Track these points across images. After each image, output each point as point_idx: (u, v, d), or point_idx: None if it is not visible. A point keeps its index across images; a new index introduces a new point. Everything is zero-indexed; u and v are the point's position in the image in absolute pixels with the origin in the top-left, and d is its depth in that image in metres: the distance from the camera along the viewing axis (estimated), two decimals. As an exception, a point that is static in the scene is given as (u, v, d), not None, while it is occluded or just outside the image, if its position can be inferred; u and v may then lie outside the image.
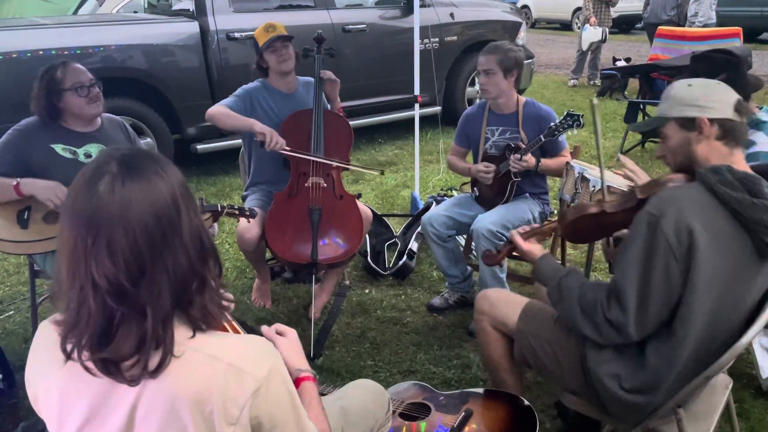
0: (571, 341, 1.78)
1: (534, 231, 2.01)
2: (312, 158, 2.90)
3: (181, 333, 1.00)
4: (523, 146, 2.81)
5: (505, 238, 2.60)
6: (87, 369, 0.98)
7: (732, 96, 1.64)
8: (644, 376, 1.62)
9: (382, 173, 3.18)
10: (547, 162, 2.85)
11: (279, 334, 1.31)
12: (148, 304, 0.96)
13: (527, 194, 2.97)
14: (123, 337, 0.96)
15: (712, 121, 1.61)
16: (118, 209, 0.95)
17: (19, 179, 2.41)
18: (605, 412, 1.75)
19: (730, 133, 1.61)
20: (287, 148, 2.85)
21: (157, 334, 0.97)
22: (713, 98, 1.62)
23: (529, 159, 2.77)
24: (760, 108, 2.39)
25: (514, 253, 2.05)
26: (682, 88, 1.68)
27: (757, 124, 2.31)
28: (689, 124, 1.63)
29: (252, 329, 1.23)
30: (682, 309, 1.55)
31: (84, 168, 1.01)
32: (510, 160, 2.79)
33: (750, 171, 1.61)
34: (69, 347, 0.99)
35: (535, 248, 1.93)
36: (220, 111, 2.92)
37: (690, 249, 1.51)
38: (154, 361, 0.97)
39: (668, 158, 1.72)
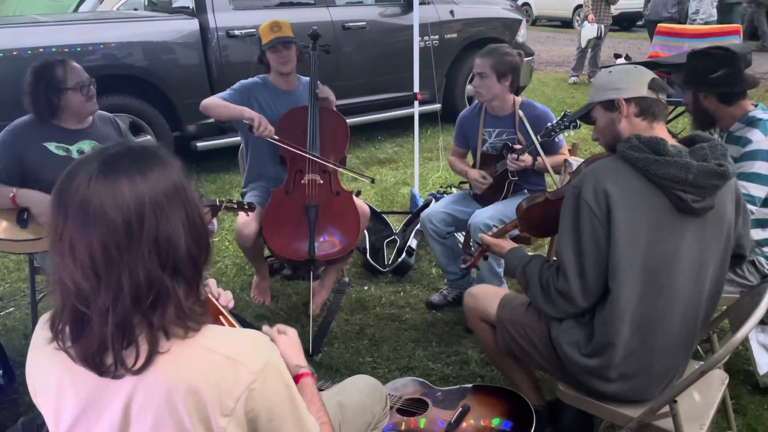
0: (541, 321, 1.90)
1: (501, 230, 2.20)
2: (304, 153, 2.90)
3: (171, 334, 1.00)
4: (519, 147, 2.82)
5: None
6: (71, 357, 1.00)
7: (646, 76, 1.79)
8: (595, 338, 1.73)
9: (373, 181, 3.17)
10: (542, 161, 2.85)
11: (279, 333, 1.34)
12: (109, 307, 0.96)
13: (525, 191, 2.98)
14: (89, 335, 0.97)
15: (628, 100, 1.77)
16: (78, 209, 0.95)
17: (15, 190, 2.44)
18: (572, 384, 1.86)
19: (646, 109, 1.77)
20: (276, 137, 2.87)
21: (121, 338, 0.97)
22: (628, 80, 1.78)
23: (526, 158, 2.77)
24: (756, 105, 2.39)
25: (489, 255, 2.25)
26: (603, 75, 1.86)
27: (751, 122, 2.31)
28: (610, 105, 1.80)
29: (245, 325, 1.24)
30: (611, 267, 1.67)
31: (73, 161, 1.02)
32: (507, 160, 2.80)
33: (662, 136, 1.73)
34: (56, 331, 1.01)
35: (503, 243, 2.10)
36: (213, 101, 2.95)
37: (608, 209, 1.65)
38: (131, 360, 0.97)
39: (600, 140, 1.89)
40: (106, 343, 0.97)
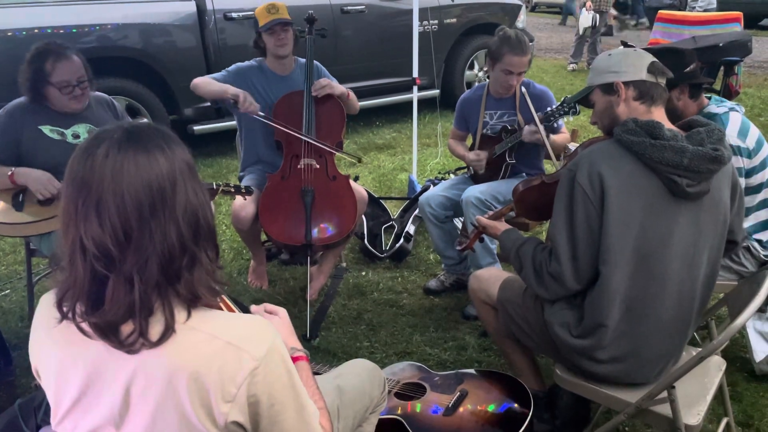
0: (537, 303, 1.91)
1: (497, 213, 2.20)
2: (291, 131, 2.88)
3: (179, 312, 1.00)
4: (543, 113, 2.74)
5: (495, 207, 2.68)
6: (83, 331, 0.99)
7: (645, 60, 1.78)
8: (585, 320, 1.74)
9: (360, 161, 3.13)
10: (553, 138, 2.84)
11: (268, 313, 1.31)
12: (134, 273, 0.96)
13: (523, 174, 2.97)
14: (112, 304, 0.97)
15: (627, 83, 1.76)
16: (109, 173, 0.96)
17: (13, 169, 2.42)
18: (567, 365, 1.87)
19: (645, 93, 1.76)
20: (261, 114, 2.85)
21: (146, 304, 0.97)
22: (627, 63, 1.78)
23: (543, 131, 2.69)
24: (709, 98, 2.36)
25: (483, 235, 2.25)
26: (603, 58, 1.86)
27: (709, 118, 2.23)
28: (609, 88, 1.80)
29: (244, 309, 1.23)
30: (602, 250, 1.67)
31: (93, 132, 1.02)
32: (524, 131, 2.75)
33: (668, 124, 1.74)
34: (65, 309, 1.00)
35: (498, 225, 2.09)
36: (202, 79, 2.92)
37: (602, 192, 1.65)
38: (155, 331, 0.97)
39: (598, 123, 1.88)
40: (132, 311, 0.96)
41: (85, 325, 0.99)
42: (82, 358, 1.01)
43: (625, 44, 8.12)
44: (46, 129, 2.50)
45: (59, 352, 1.04)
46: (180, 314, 1.00)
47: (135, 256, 0.96)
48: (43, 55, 2.41)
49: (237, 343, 1.00)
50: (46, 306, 1.07)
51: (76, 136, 2.54)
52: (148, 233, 0.97)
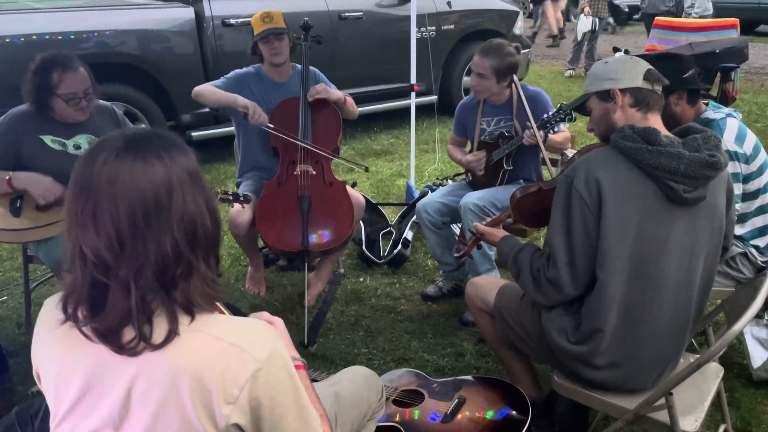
0: (534, 310, 1.92)
1: (495, 220, 2.22)
2: (296, 141, 2.89)
3: (181, 316, 1.01)
4: (518, 133, 2.77)
5: (493, 214, 2.69)
6: (85, 335, 0.99)
7: (642, 67, 1.80)
8: (582, 326, 1.75)
9: (367, 170, 3.16)
10: (552, 137, 2.85)
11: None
12: (130, 280, 0.97)
13: (521, 181, 2.98)
14: (110, 309, 0.98)
15: (623, 90, 1.78)
16: (106, 181, 0.97)
17: (11, 173, 2.41)
18: (565, 372, 1.87)
19: (641, 100, 1.78)
20: (271, 125, 2.86)
21: (143, 310, 0.98)
22: (623, 70, 1.80)
23: (540, 134, 2.73)
24: (707, 104, 2.37)
25: (481, 242, 2.26)
26: (599, 66, 1.87)
27: (706, 124, 2.27)
28: (606, 95, 1.81)
29: (238, 314, 1.23)
30: (600, 255, 1.68)
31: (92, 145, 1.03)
32: (524, 135, 2.76)
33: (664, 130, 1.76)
34: (69, 311, 1.01)
35: (496, 231, 2.10)
36: (206, 87, 2.93)
37: (599, 198, 1.65)
38: (158, 335, 0.98)
39: (595, 130, 1.89)
40: (130, 316, 0.97)
41: (86, 329, 0.99)
42: (84, 360, 1.02)
43: (622, 51, 8.15)
44: (47, 139, 2.49)
45: (61, 353, 1.04)
46: (183, 318, 1.01)
47: (130, 264, 0.97)
48: (50, 66, 2.40)
49: (240, 345, 1.00)
50: (49, 308, 1.08)
51: (77, 147, 2.54)
52: (142, 241, 0.97)
